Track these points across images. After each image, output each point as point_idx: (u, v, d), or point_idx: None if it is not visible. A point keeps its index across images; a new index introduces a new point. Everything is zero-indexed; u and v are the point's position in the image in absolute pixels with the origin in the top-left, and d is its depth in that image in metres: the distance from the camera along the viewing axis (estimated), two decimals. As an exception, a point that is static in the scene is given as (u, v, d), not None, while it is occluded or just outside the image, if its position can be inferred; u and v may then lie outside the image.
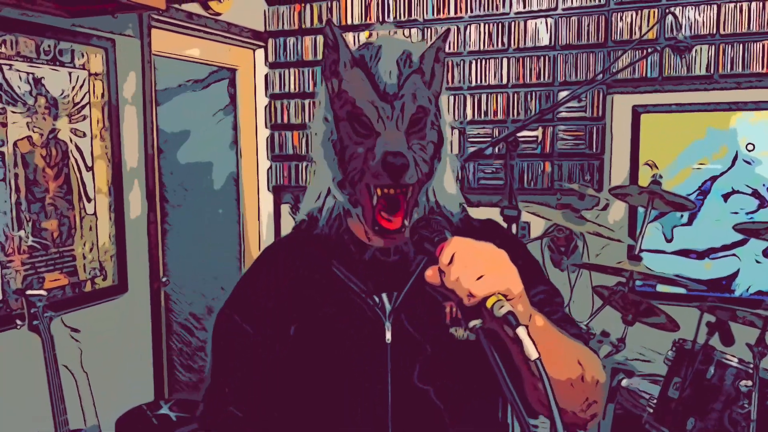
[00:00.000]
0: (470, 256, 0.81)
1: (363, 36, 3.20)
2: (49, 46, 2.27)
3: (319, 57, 3.32)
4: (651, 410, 2.30)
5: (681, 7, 2.72)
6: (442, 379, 1.02)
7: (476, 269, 0.80)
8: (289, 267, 1.08)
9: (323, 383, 1.03)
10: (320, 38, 3.30)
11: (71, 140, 2.37)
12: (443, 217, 1.01)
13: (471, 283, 0.80)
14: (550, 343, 0.88)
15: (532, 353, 0.76)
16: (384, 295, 1.04)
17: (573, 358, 0.95)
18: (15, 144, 2.17)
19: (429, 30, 3.11)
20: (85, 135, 2.42)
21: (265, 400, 1.06)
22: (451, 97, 3.09)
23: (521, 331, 0.77)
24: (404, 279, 1.04)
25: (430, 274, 0.84)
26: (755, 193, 2.73)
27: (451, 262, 0.81)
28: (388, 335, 1.02)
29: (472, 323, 0.82)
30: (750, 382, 2.05)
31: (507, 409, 1.20)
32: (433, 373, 1.01)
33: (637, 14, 2.80)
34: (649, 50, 2.56)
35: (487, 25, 3.02)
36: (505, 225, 2.26)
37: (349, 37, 3.24)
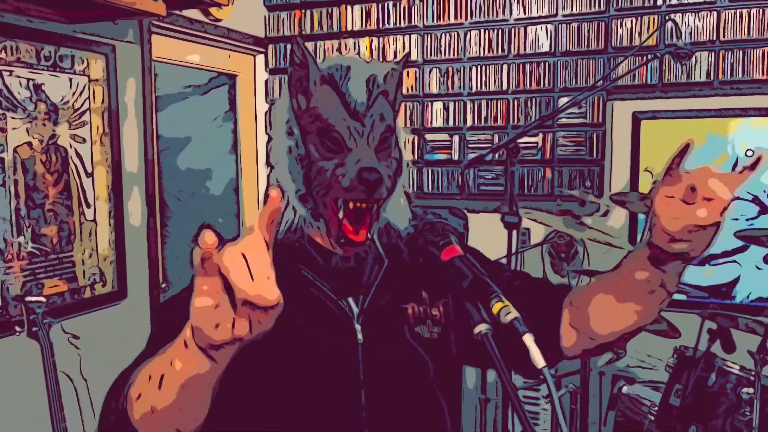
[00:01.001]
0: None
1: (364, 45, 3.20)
2: (49, 52, 2.27)
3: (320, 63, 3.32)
4: (652, 417, 2.29)
5: (681, 14, 2.73)
6: (412, 376, 1.08)
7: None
8: None
9: (297, 384, 1.04)
10: (320, 44, 3.31)
11: (71, 146, 2.37)
12: (395, 231, 1.09)
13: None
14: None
15: (538, 361, 0.78)
16: (351, 299, 1.09)
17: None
18: (15, 150, 2.17)
19: (429, 36, 3.11)
20: (85, 141, 2.42)
21: (237, 402, 1.04)
22: (452, 103, 3.09)
23: (527, 338, 0.79)
24: (366, 284, 1.10)
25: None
26: (756, 200, 2.73)
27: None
28: (360, 336, 1.07)
29: (477, 329, 0.85)
30: (752, 390, 2.05)
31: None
32: (403, 371, 1.07)
33: (637, 21, 2.80)
34: (650, 57, 2.57)
35: (487, 32, 3.02)
36: (506, 231, 2.26)
37: (350, 42, 3.25)
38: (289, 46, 3.36)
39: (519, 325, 0.80)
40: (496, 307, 0.82)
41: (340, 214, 1.02)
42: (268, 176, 3.51)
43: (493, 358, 0.82)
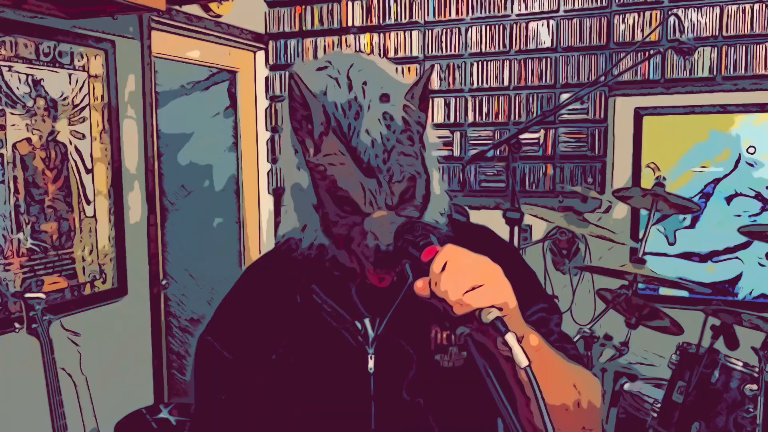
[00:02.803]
0: (464, 265, 0.78)
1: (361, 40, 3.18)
2: (48, 47, 2.25)
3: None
4: (655, 414, 2.28)
5: (683, 9, 2.72)
6: (427, 408, 0.98)
7: (469, 279, 0.76)
8: (270, 291, 1.04)
9: (304, 410, 1.00)
10: (321, 40, 3.29)
11: (71, 142, 2.35)
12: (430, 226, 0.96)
13: (461, 293, 0.76)
14: (546, 364, 0.84)
15: (521, 360, 0.73)
16: (367, 321, 1.00)
17: (569, 381, 0.90)
18: (14, 146, 2.16)
19: (430, 32, 3.09)
20: (84, 137, 2.41)
21: (249, 427, 1.03)
22: (453, 99, 3.08)
23: (510, 338, 0.74)
24: (387, 304, 1.00)
25: (420, 286, 0.80)
26: (758, 196, 2.71)
27: (443, 270, 0.78)
28: (371, 363, 0.98)
29: (459, 330, 0.80)
30: (755, 386, 2.04)
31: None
32: (417, 402, 0.98)
33: (639, 16, 2.79)
34: (652, 52, 2.55)
35: (488, 27, 3.00)
36: (507, 228, 2.25)
37: (350, 39, 3.23)
38: (290, 43, 3.36)
39: (500, 325, 0.74)
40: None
41: (363, 261, 0.92)
42: (268, 173, 3.50)
43: (477, 361, 0.77)
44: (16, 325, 2.02)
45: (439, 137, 1.02)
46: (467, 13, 3.03)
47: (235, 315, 1.06)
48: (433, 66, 1.03)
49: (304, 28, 3.32)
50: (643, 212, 2.81)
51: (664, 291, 2.85)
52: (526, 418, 0.89)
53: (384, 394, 0.98)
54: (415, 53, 3.11)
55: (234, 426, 1.03)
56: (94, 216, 2.46)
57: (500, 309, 0.77)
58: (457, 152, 3.08)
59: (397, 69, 0.98)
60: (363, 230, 0.89)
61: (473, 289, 0.77)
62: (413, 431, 0.98)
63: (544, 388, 0.73)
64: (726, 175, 2.75)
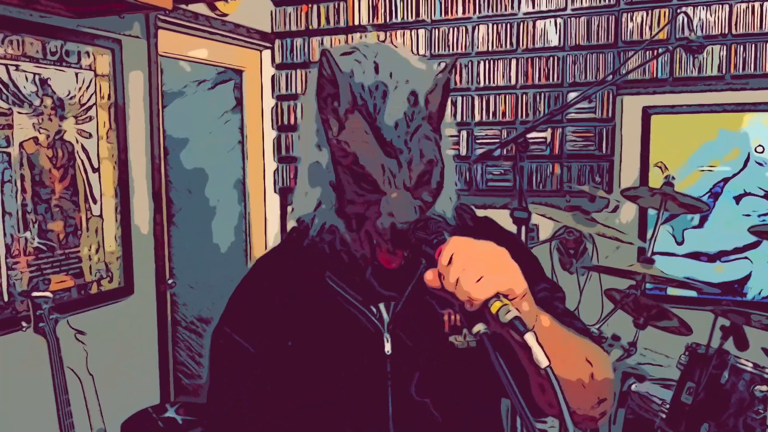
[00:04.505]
0: (469, 256, 0.78)
1: (371, 36, 3.18)
2: (55, 46, 2.26)
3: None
4: (663, 415, 2.27)
5: (692, 7, 2.70)
6: (443, 389, 0.99)
7: (476, 270, 0.77)
8: (283, 279, 1.05)
9: (322, 397, 1.00)
10: (327, 39, 3.29)
11: (77, 141, 2.36)
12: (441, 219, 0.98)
13: (471, 285, 0.76)
14: (559, 342, 0.86)
15: (542, 361, 0.73)
16: (382, 305, 1.01)
17: (582, 356, 0.92)
18: (21, 145, 2.16)
19: (437, 31, 3.08)
20: (91, 136, 2.41)
21: (266, 417, 1.04)
22: (460, 98, 3.07)
23: (530, 338, 0.74)
24: (401, 288, 1.01)
25: (430, 278, 0.81)
26: (767, 195, 2.69)
27: (450, 263, 0.79)
28: (388, 347, 0.99)
29: (476, 329, 0.79)
30: (765, 387, 2.02)
31: (513, 416, 1.18)
32: (433, 384, 0.99)
33: (647, 14, 2.77)
34: (660, 50, 2.54)
35: (495, 26, 2.99)
36: (514, 227, 2.24)
37: (356, 37, 3.22)
38: (297, 41, 3.35)
39: (520, 325, 0.74)
40: (495, 306, 0.76)
41: (374, 241, 0.94)
42: (275, 172, 3.50)
43: (491, 356, 0.76)
44: (23, 324, 2.02)
45: (451, 136, 1.04)
46: (474, 11, 3.02)
47: (251, 304, 1.07)
48: (457, 57, 1.05)
49: (310, 27, 3.32)
50: (651, 212, 2.80)
51: (672, 291, 2.83)
52: (543, 400, 0.92)
53: (400, 377, 0.99)
54: (422, 52, 3.10)
55: (253, 415, 1.04)
56: (101, 215, 2.46)
57: (506, 295, 0.77)
58: (464, 151, 3.07)
59: (419, 59, 0.99)
60: (379, 210, 0.91)
61: (479, 279, 0.77)
62: (428, 416, 0.99)
63: (559, 367, 0.74)
64: (735, 175, 2.73)
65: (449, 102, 1.03)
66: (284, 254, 1.09)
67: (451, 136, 1.05)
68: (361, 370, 1.00)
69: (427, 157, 0.93)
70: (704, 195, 2.75)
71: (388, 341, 1.00)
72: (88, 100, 2.39)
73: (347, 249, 0.98)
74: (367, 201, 0.93)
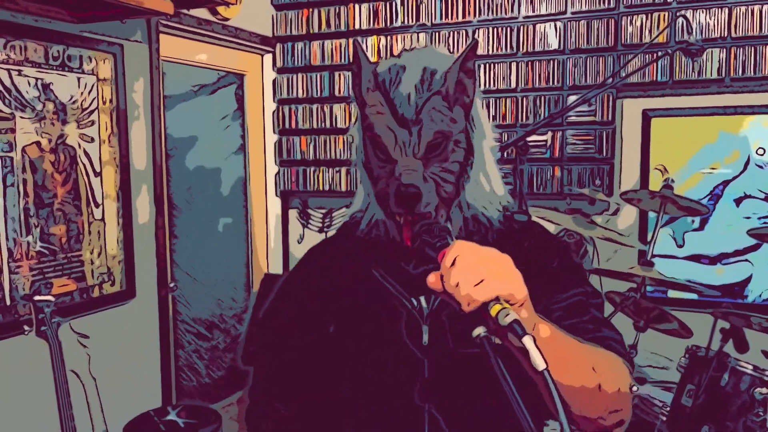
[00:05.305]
0: (472, 260, 0.80)
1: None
2: (57, 51, 2.27)
3: (327, 62, 3.32)
4: (664, 418, 2.27)
5: (692, 11, 2.70)
6: (476, 380, 1.01)
7: (477, 273, 0.79)
8: (331, 267, 1.13)
9: (360, 383, 1.05)
10: (328, 43, 3.30)
11: (80, 145, 2.37)
12: (484, 224, 1.04)
13: (471, 287, 0.78)
14: (560, 352, 0.87)
15: (539, 364, 0.74)
16: (422, 298, 1.05)
17: (587, 365, 0.92)
18: (23, 149, 2.17)
19: (437, 34, 3.09)
20: (93, 140, 2.42)
21: (307, 397, 1.12)
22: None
23: (527, 341, 0.75)
24: None
25: (432, 280, 0.83)
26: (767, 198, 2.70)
27: (452, 266, 0.81)
28: (425, 338, 1.03)
29: (476, 332, 0.80)
30: (765, 390, 2.02)
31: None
32: (469, 376, 1.01)
33: (647, 18, 2.78)
34: (660, 54, 2.54)
35: (495, 29, 3.00)
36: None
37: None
38: (298, 45, 3.37)
39: (518, 328, 0.75)
40: (494, 309, 0.77)
41: (401, 220, 1.00)
42: (276, 176, 3.51)
43: (491, 359, 0.77)
44: (26, 327, 2.02)
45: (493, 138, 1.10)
46: (474, 15, 3.03)
47: (297, 290, 1.16)
48: (477, 38, 1.13)
49: (311, 31, 3.33)
50: (652, 214, 2.80)
51: (672, 294, 2.83)
52: (552, 403, 0.92)
53: (437, 367, 1.03)
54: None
55: (294, 393, 1.13)
56: (103, 219, 2.47)
57: (507, 300, 0.79)
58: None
59: (447, 51, 1.10)
60: (393, 180, 0.98)
61: (479, 283, 0.79)
62: (464, 406, 1.02)
63: (560, 373, 0.76)
64: (735, 177, 2.73)
65: (477, 88, 1.07)
66: (335, 244, 1.18)
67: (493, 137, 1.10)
68: (399, 359, 1.04)
69: (438, 128, 0.99)
70: (704, 197, 2.76)
71: (426, 333, 1.03)
72: (90, 104, 2.41)
73: (391, 240, 1.05)
74: (386, 174, 1.00)
